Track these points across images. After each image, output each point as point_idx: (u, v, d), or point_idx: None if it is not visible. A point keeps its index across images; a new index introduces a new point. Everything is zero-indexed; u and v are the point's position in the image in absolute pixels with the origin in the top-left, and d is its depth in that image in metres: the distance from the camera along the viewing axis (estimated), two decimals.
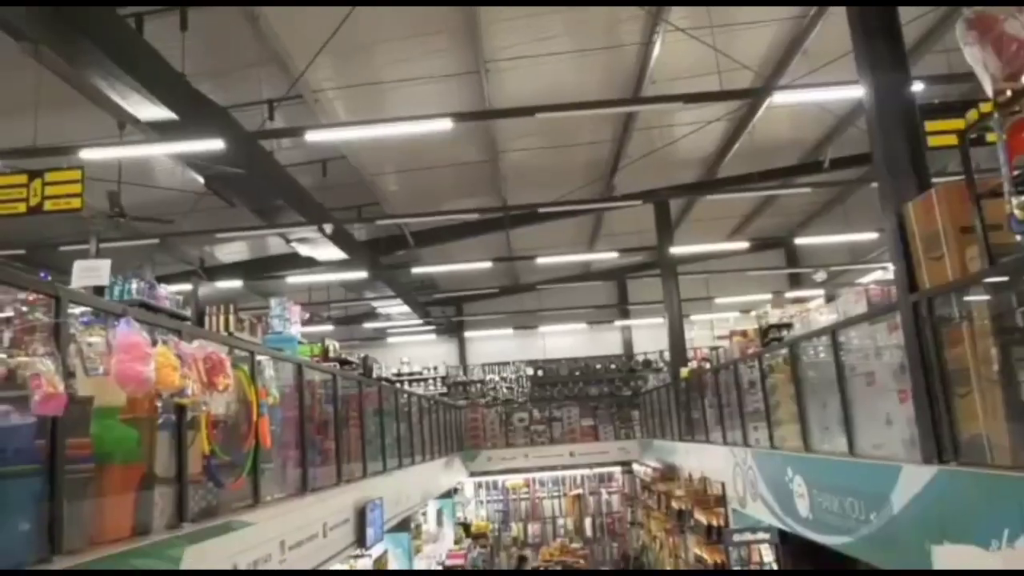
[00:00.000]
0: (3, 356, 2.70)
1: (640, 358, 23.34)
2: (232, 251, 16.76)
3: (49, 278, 2.85)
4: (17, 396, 2.68)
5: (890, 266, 5.27)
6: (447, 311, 23.49)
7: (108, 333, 3.26)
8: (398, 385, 15.05)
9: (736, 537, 9.85)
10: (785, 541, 10.57)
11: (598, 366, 23.35)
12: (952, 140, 5.69)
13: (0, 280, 2.60)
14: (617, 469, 20.83)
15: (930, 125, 6.02)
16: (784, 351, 7.78)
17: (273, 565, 4.80)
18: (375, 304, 19.30)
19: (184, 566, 3.58)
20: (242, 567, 4.30)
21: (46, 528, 2.73)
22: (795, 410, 7.33)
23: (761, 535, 9.75)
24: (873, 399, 5.76)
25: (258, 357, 4.90)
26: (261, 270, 16.86)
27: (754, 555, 9.83)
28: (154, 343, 3.44)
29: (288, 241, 13.03)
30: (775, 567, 9.85)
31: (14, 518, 2.63)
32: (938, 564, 4.56)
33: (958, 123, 5.52)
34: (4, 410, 2.65)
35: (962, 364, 4.33)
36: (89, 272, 5.67)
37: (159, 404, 3.68)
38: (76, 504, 2.98)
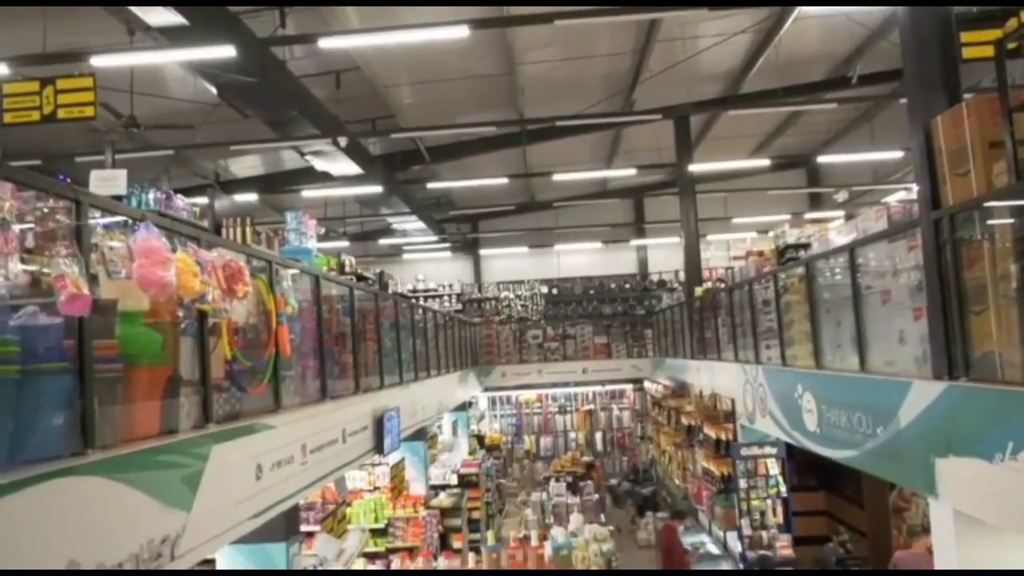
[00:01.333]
0: (26, 268, 2.74)
1: (655, 278, 23.37)
2: (247, 165, 16.70)
3: (68, 180, 2.87)
4: (44, 302, 2.74)
5: (913, 187, 5.18)
6: (463, 228, 23.47)
7: (128, 239, 3.30)
8: (413, 300, 15.20)
9: (744, 451, 10.11)
10: (791, 456, 10.86)
11: (612, 285, 23.44)
12: (988, 52, 5.46)
13: (19, 181, 2.61)
14: (629, 386, 21.24)
15: (966, 36, 5.78)
16: (800, 269, 7.75)
17: (295, 467, 5.00)
18: (390, 220, 19.30)
19: (211, 464, 3.73)
20: (266, 467, 4.48)
21: (79, 423, 2.84)
22: (808, 328, 7.37)
23: (768, 449, 9.99)
24: (887, 317, 5.76)
25: (275, 268, 4.96)
26: (276, 185, 16.83)
27: (760, 468, 10.11)
28: (173, 250, 3.48)
29: (303, 155, 12.94)
30: (781, 480, 10.14)
31: (48, 413, 2.74)
32: (941, 476, 4.67)
33: (995, 33, 5.30)
34: (32, 310, 2.72)
35: (979, 282, 4.31)
36: (106, 181, 5.68)
37: (181, 311, 3.76)
38: (106, 403, 3.10)
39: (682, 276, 17.91)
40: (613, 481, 18.87)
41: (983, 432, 4.10)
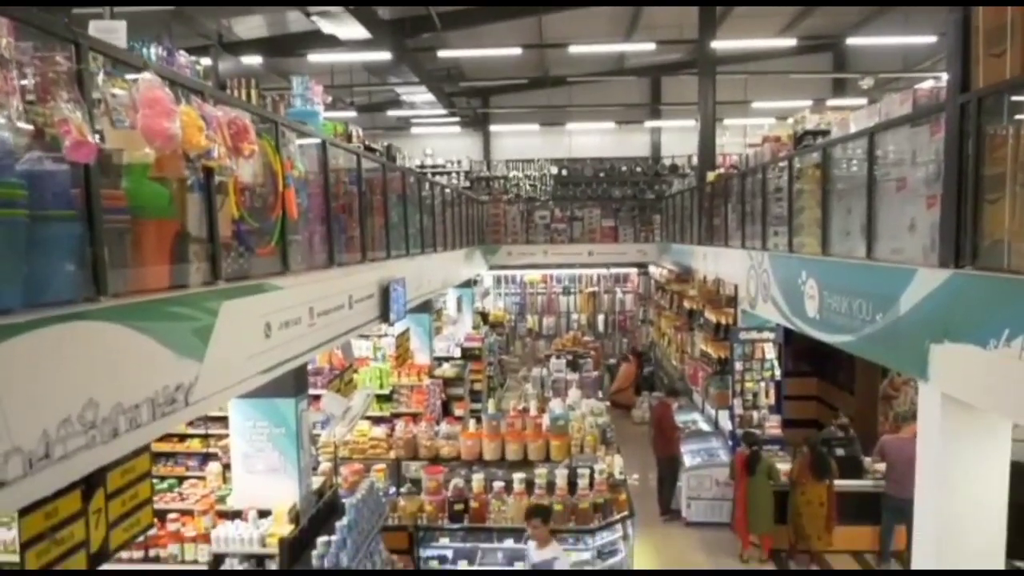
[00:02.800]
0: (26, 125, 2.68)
1: (667, 162, 22.97)
2: (251, 26, 16.03)
3: (67, 21, 2.76)
4: (49, 155, 2.71)
5: (943, 76, 4.97)
6: (473, 103, 22.84)
7: (131, 88, 3.22)
8: (421, 174, 15.04)
9: (743, 335, 10.31)
10: (788, 343, 11.08)
11: (623, 168, 23.08)
12: None
13: (16, 18, 2.51)
14: (633, 271, 21.38)
15: None
16: (816, 155, 7.59)
17: (303, 328, 5.12)
18: (399, 91, 18.75)
19: (220, 321, 3.82)
20: (275, 326, 4.59)
21: (91, 271, 2.88)
22: (818, 215, 7.31)
23: (767, 334, 10.19)
24: (900, 204, 5.70)
25: (281, 130, 4.87)
26: (281, 48, 16.24)
27: (757, 352, 10.35)
28: (177, 103, 3.41)
29: (308, 15, 12.39)
30: (776, 364, 10.40)
31: (60, 259, 2.77)
32: (934, 362, 4.77)
33: None
34: (36, 156, 2.69)
35: (999, 169, 4.22)
36: (106, 33, 5.47)
37: (187, 167, 3.73)
38: (116, 254, 3.13)
39: (695, 161, 17.59)
40: (612, 361, 19.38)
41: (981, 319, 4.14)
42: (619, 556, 7.53)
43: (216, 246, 3.92)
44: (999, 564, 5.10)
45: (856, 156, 6.74)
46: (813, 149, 7.97)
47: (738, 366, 10.32)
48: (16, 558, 4.97)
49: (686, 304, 14.08)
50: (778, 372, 10.37)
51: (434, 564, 7.48)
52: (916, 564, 5.47)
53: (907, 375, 9.31)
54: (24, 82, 2.76)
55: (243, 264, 4.47)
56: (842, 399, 12.94)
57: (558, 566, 6.32)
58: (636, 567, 8.04)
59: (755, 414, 10.31)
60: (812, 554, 9.09)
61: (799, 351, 13.03)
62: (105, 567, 3.35)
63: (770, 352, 10.27)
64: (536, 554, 6.48)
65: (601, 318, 21.68)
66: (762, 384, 10.39)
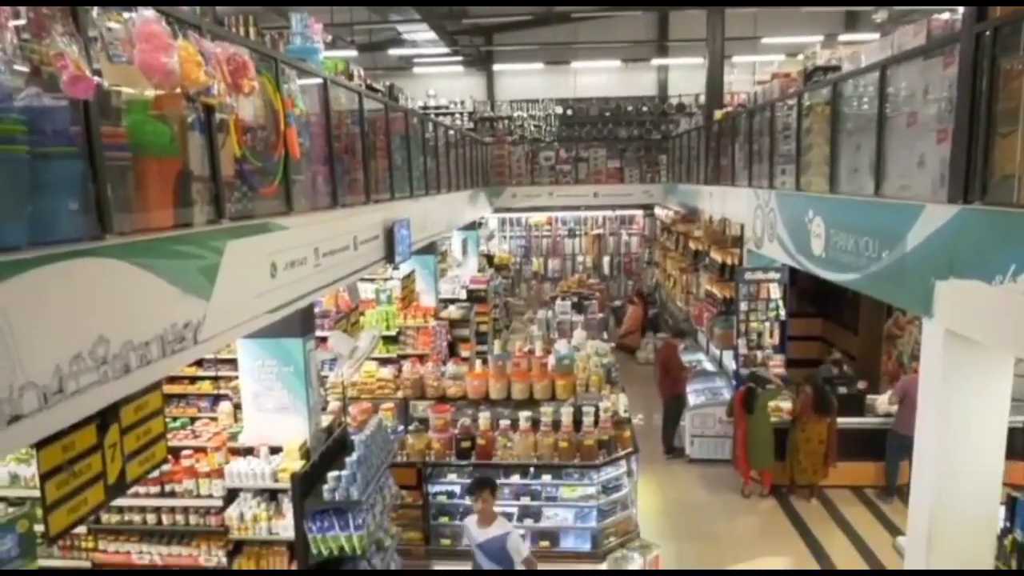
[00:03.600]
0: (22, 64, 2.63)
1: (674, 101, 22.56)
2: None
3: None
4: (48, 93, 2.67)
5: (959, 8, 4.81)
6: (476, 41, 22.33)
7: (127, 23, 3.15)
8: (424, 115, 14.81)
9: (748, 275, 10.31)
10: (793, 283, 11.08)
11: (629, 108, 22.68)
12: None
13: None
14: (639, 212, 21.25)
15: None
16: (826, 90, 7.44)
17: (308, 268, 5.14)
18: (400, 29, 18.33)
19: (226, 259, 3.82)
20: (280, 266, 4.61)
21: (95, 208, 2.88)
22: (826, 152, 7.21)
23: (772, 274, 10.18)
24: (910, 140, 5.61)
25: (282, 67, 4.78)
26: None
27: (762, 292, 10.36)
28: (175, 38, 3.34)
29: None
30: (780, 304, 10.42)
31: (63, 197, 2.76)
32: (939, 298, 4.77)
33: None
34: (34, 91, 2.66)
35: (1013, 103, 4.13)
36: None
37: (187, 106, 3.68)
38: (119, 191, 3.12)
39: (702, 100, 17.26)
40: (617, 303, 19.45)
41: (987, 255, 4.13)
42: (623, 491, 7.71)
43: (219, 185, 3.91)
44: (996, 495, 5.21)
45: (867, 92, 6.60)
46: (823, 84, 7.81)
47: (743, 306, 10.35)
48: (37, 492, 5.13)
49: (692, 245, 14.04)
50: (783, 312, 10.40)
51: (443, 499, 7.68)
52: (914, 498, 5.59)
53: (912, 313, 9.33)
54: (18, 21, 2.71)
55: (247, 204, 4.46)
56: (846, 339, 13.02)
57: (511, 543, 5.67)
58: (640, 502, 8.24)
59: (759, 354, 10.39)
60: (813, 489, 9.29)
61: (804, 291, 13.05)
62: (107, 568, 3.41)
63: (775, 292, 10.28)
64: (480, 533, 5.80)
65: (606, 260, 21.68)
66: (767, 324, 10.43)
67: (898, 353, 11.30)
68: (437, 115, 21.27)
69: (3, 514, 3.90)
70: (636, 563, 7.21)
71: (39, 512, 3.02)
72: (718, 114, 13.30)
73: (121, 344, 2.92)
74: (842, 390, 9.61)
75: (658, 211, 19.67)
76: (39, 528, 3.50)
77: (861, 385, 9.87)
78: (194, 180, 3.78)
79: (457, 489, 7.75)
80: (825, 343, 13.67)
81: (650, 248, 21.24)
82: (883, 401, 9.44)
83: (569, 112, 22.78)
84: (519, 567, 5.65)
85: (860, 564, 7.80)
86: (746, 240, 10.46)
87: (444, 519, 7.67)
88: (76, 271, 2.67)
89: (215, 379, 10.53)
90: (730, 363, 11.19)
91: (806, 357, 12.50)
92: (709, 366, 12.55)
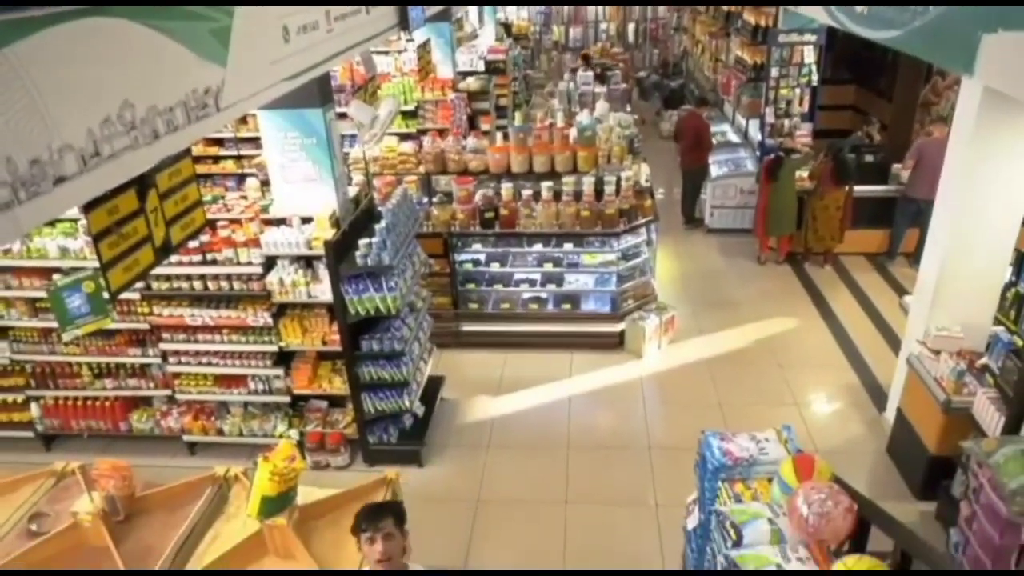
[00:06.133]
0: None
1: None
2: None
3: None
4: None
5: None
6: None
7: None
8: None
9: (782, 38, 9.76)
10: (830, 48, 10.49)
11: None
12: None
13: None
14: None
15: None
16: None
17: (320, 33, 4.94)
18: None
19: (237, 22, 3.69)
20: (292, 30, 4.44)
21: None
22: None
23: (808, 36, 9.63)
24: None
25: None
26: None
27: (795, 56, 9.88)
28: None
29: None
30: (814, 69, 9.96)
31: None
32: (983, 52, 4.52)
33: None
34: None
35: None
36: None
37: None
38: None
39: None
40: (642, 73, 18.68)
41: None
42: (642, 257, 7.98)
43: None
44: (1007, 255, 5.35)
45: None
46: None
47: (774, 72, 9.92)
48: (86, 263, 5.44)
49: (723, 7, 13.13)
50: (815, 78, 9.98)
51: (468, 267, 8.04)
52: (927, 259, 5.75)
53: (952, 72, 8.92)
54: None
55: None
56: (879, 107, 12.58)
57: None
58: (657, 269, 8.56)
59: (786, 122, 10.15)
60: (827, 256, 9.54)
61: (839, 56, 12.41)
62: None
63: (809, 56, 9.78)
64: None
65: (631, 27, 20.45)
66: (797, 91, 10.06)
67: (931, 120, 10.97)
68: None
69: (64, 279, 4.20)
70: (653, 322, 7.67)
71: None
72: None
73: (147, 109, 2.94)
74: (869, 158, 9.49)
75: None
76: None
77: None
78: None
79: (483, 257, 8.09)
80: (857, 112, 13.24)
81: (678, 12, 19.89)
82: (899, 168, 9.36)
83: None
84: None
85: (867, 324, 8.23)
86: None
87: (471, 285, 8.10)
88: (89, 31, 2.61)
89: (238, 158, 10.63)
90: (755, 134, 10.98)
91: (835, 128, 12.19)
92: (734, 137, 12.33)
